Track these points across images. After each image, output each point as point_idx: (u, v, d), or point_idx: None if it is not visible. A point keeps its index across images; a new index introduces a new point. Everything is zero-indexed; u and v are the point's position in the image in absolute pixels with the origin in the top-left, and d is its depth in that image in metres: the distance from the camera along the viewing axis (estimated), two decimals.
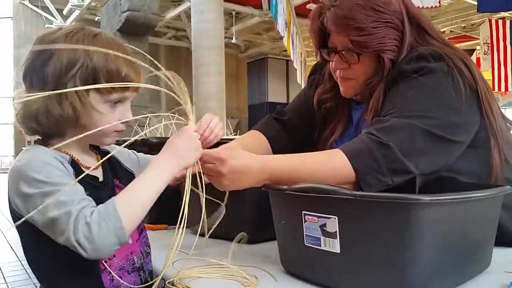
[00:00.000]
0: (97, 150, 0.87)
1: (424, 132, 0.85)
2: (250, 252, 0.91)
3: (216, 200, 0.86)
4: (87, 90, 0.72)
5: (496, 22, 7.09)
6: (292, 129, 1.21)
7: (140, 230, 0.88)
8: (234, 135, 1.91)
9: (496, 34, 7.05)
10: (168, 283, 0.80)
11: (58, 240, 0.67)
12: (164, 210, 0.98)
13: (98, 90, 0.73)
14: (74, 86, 0.71)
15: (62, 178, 0.70)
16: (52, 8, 9.04)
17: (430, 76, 0.90)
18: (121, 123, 0.78)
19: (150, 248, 0.89)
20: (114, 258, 0.78)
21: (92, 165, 0.80)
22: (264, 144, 1.18)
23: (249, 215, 1.03)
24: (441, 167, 0.89)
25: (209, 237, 0.91)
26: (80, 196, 0.69)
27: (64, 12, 9.17)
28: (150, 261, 0.88)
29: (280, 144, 1.18)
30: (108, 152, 0.87)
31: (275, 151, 1.17)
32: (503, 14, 7.50)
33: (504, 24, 7.02)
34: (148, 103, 6.32)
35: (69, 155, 0.77)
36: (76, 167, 0.77)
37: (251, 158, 0.84)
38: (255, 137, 1.19)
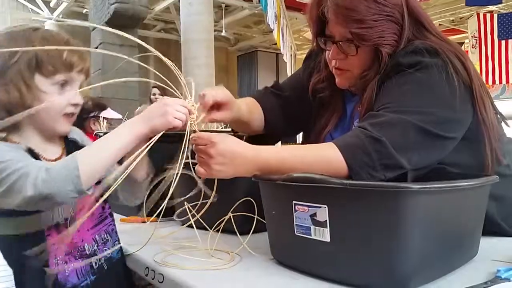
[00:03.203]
0: (64, 139, 0.90)
1: (417, 128, 0.85)
2: (240, 243, 0.91)
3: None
4: (32, 73, 0.78)
5: (484, 16, 7.13)
6: (290, 107, 1.20)
7: (103, 218, 0.91)
8: (224, 127, 1.90)
9: (484, 28, 7.10)
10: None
11: (14, 204, 0.69)
12: (155, 203, 0.98)
13: (42, 72, 0.79)
14: (18, 70, 0.77)
15: (11, 154, 0.72)
16: (38, 0, 8.89)
17: (425, 71, 0.90)
18: (70, 105, 0.83)
19: (112, 236, 0.92)
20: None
21: (55, 155, 0.85)
22: (259, 113, 1.17)
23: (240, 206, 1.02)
24: (433, 162, 0.90)
25: (198, 228, 0.91)
26: (37, 161, 0.73)
27: (51, 5, 9.03)
28: (114, 247, 0.91)
29: (272, 120, 1.18)
30: (74, 141, 0.91)
31: (266, 125, 1.18)
32: (491, 8, 7.55)
33: (492, 17, 7.06)
34: (137, 96, 6.27)
35: (21, 144, 0.79)
36: (33, 154, 0.79)
37: (241, 145, 0.84)
38: (254, 103, 1.18)
